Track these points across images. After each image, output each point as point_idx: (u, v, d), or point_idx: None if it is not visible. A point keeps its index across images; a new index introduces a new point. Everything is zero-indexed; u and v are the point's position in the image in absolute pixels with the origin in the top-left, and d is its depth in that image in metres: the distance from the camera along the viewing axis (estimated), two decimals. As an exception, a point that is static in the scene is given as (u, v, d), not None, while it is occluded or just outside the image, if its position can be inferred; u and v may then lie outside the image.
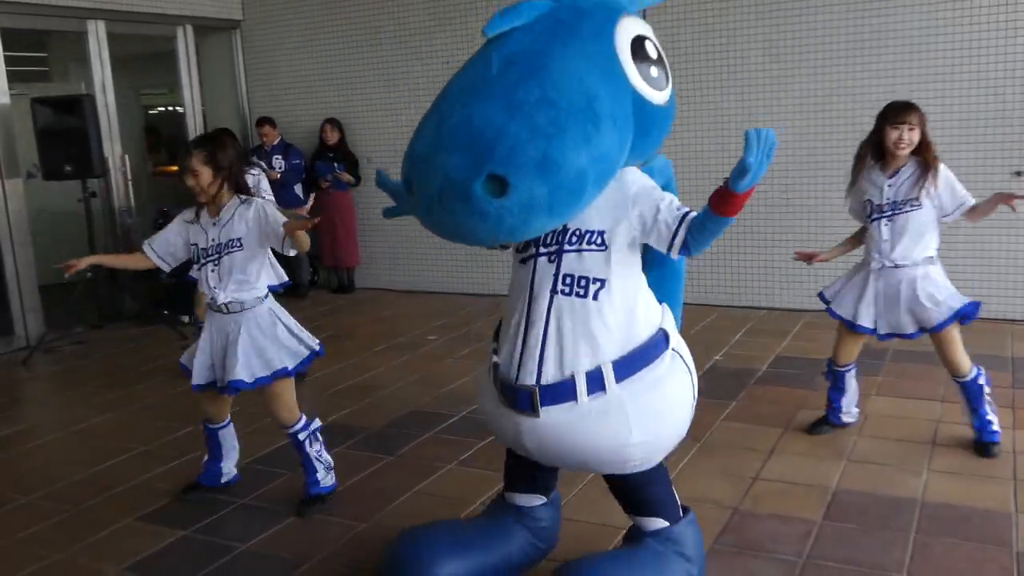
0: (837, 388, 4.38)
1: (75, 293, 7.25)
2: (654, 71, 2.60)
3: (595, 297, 2.57)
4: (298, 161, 8.32)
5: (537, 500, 3.05)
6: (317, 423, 3.93)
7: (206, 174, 3.62)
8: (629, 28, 2.58)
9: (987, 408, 4.07)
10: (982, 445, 4.02)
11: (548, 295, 2.60)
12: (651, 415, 2.62)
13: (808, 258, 4.26)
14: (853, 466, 4.00)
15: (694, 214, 2.53)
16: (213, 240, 3.68)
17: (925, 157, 3.91)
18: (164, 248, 3.78)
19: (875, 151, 4.04)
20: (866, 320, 4.13)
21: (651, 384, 2.62)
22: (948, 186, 3.92)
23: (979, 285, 6.25)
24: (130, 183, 8.13)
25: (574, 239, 2.59)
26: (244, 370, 3.64)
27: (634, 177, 2.66)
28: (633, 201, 2.58)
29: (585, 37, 2.48)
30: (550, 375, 2.59)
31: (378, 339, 6.82)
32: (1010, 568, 3.11)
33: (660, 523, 2.83)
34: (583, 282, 2.58)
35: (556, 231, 2.61)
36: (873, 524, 3.46)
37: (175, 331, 7.12)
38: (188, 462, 4.44)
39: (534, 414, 2.61)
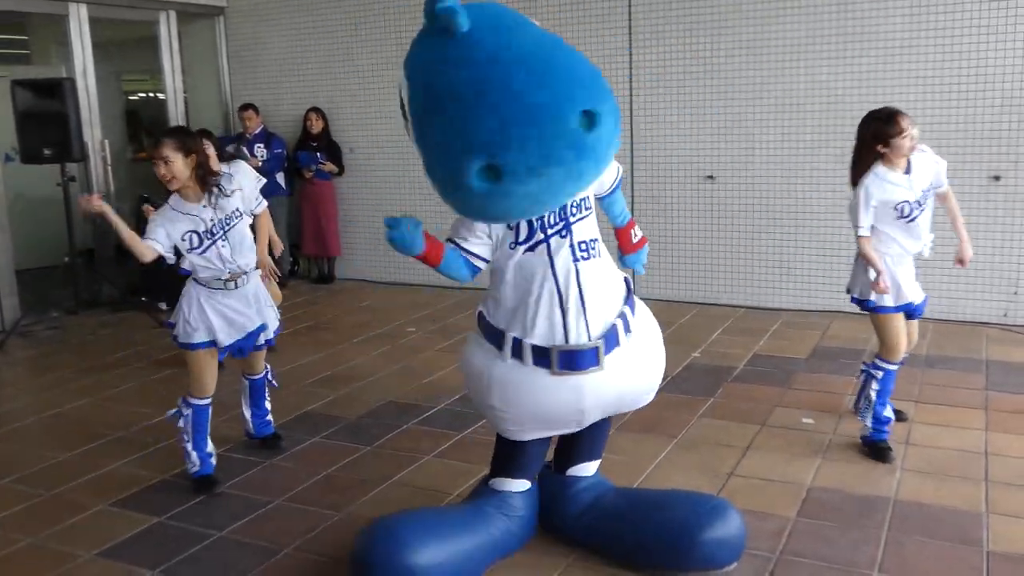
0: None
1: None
2: None
3: (599, 254, 2.97)
4: (280, 150, 8.28)
5: (523, 486, 3.20)
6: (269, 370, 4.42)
7: (178, 162, 3.65)
8: None
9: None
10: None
11: (572, 265, 2.89)
12: (658, 341, 3.11)
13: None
14: (828, 464, 4.03)
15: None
16: (212, 220, 3.76)
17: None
18: (166, 241, 3.73)
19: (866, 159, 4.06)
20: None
21: (644, 316, 3.09)
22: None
23: (953, 289, 6.31)
24: (110, 168, 8.07)
25: (574, 210, 2.91)
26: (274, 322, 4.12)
27: None
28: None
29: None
30: (597, 329, 2.89)
31: (358, 330, 6.80)
32: (980, 567, 3.14)
33: (595, 466, 3.31)
34: (591, 245, 2.94)
35: (553, 211, 2.89)
36: (847, 522, 3.48)
37: (152, 318, 7.07)
38: (163, 449, 4.41)
39: (599, 367, 2.87)
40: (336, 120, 8.54)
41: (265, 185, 5.71)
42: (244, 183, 4.01)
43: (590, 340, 2.87)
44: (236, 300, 3.89)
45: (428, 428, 4.62)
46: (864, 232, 4.06)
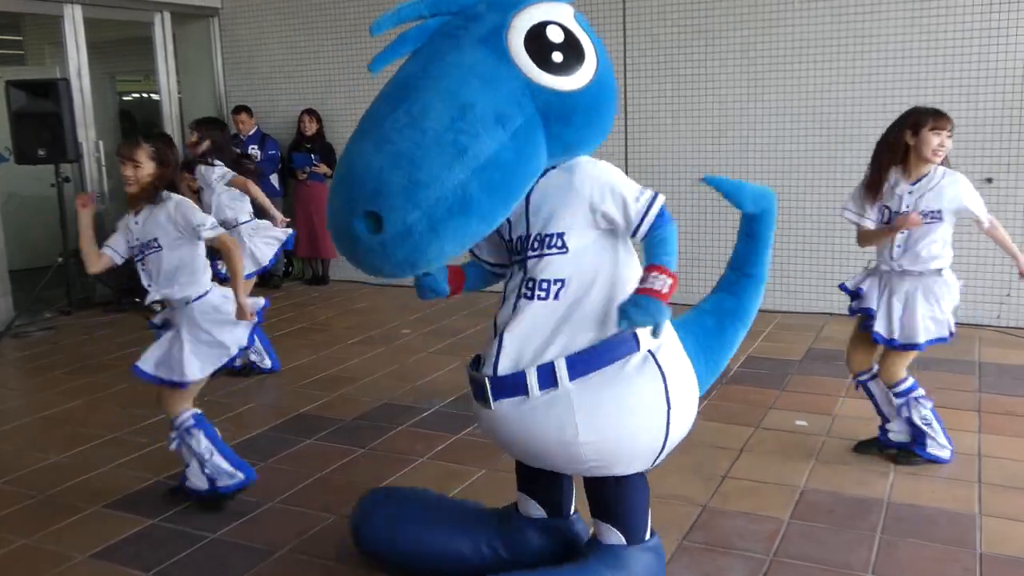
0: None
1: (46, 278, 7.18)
2: (557, 56, 2.42)
3: (556, 297, 2.56)
4: (274, 152, 8.27)
5: (535, 510, 2.98)
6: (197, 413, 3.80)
7: (148, 168, 3.61)
8: (527, 18, 2.45)
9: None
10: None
11: (514, 299, 2.62)
12: (602, 415, 2.55)
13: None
14: (821, 466, 4.04)
15: (657, 209, 2.51)
16: (139, 240, 3.67)
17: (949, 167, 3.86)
18: (124, 248, 3.75)
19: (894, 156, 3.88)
20: (881, 327, 3.96)
21: (608, 383, 2.56)
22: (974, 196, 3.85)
23: (949, 291, 6.33)
24: (104, 169, 8.06)
25: (536, 245, 2.57)
26: (195, 365, 3.64)
27: (586, 174, 2.56)
28: (589, 199, 2.52)
29: (466, 45, 2.41)
30: (504, 368, 2.59)
31: (352, 332, 6.80)
32: (973, 569, 3.15)
33: (616, 536, 2.75)
34: (544, 285, 2.56)
35: (522, 237, 2.61)
36: (840, 523, 3.49)
37: (146, 319, 7.05)
38: (156, 450, 4.40)
39: (486, 405, 2.63)
40: (330, 122, 8.54)
41: (260, 187, 5.77)
42: (176, 218, 3.63)
43: (492, 374, 2.60)
44: (174, 330, 3.69)
45: (422, 430, 4.62)
46: (853, 218, 3.96)
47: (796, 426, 4.53)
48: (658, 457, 2.69)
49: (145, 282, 3.69)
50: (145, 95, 10.95)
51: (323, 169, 8.33)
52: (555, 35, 2.45)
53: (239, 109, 8.31)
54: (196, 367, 3.63)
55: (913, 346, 3.88)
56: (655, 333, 2.38)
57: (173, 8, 8.68)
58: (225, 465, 3.72)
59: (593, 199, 2.52)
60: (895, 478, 3.89)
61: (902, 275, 3.90)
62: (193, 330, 3.65)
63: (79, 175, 7.89)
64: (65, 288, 7.55)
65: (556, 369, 2.54)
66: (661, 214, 2.51)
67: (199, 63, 9.24)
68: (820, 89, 6.59)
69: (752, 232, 3.08)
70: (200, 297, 3.68)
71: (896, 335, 3.90)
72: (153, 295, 3.69)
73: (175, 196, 3.67)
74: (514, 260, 2.68)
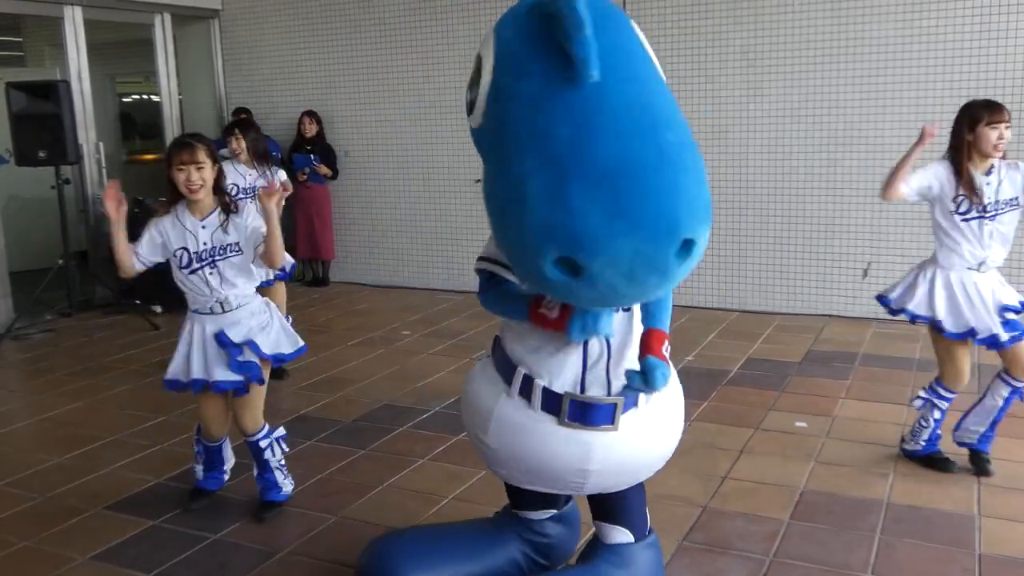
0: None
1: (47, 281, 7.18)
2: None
3: (627, 309, 2.56)
4: (275, 153, 8.26)
5: (545, 514, 2.98)
6: (281, 431, 3.81)
7: (209, 168, 3.46)
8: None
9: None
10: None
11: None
12: (679, 405, 2.74)
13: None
14: (821, 467, 4.05)
15: None
16: (206, 244, 3.48)
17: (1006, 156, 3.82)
18: (149, 256, 3.55)
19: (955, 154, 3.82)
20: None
21: (667, 395, 2.71)
22: None
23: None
24: (104, 171, 8.06)
25: None
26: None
27: None
28: None
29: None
30: (618, 385, 2.54)
31: (352, 333, 6.81)
32: (972, 570, 3.16)
33: (625, 535, 2.77)
34: None
35: None
36: (839, 524, 3.50)
37: (146, 321, 7.07)
38: (157, 452, 4.41)
39: (613, 427, 2.52)
40: (331, 124, 8.54)
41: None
42: (252, 222, 3.56)
43: (609, 395, 2.53)
44: (210, 331, 3.55)
45: (423, 431, 4.63)
46: (904, 186, 3.79)
47: (796, 427, 4.54)
48: None
49: (214, 285, 3.50)
50: (145, 97, 10.95)
51: (324, 170, 8.32)
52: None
53: (239, 111, 8.31)
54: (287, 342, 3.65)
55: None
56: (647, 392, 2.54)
57: (173, 10, 8.69)
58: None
59: None
60: (894, 479, 3.90)
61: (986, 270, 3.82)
62: (255, 323, 3.60)
63: (79, 177, 7.89)
64: (65, 290, 7.55)
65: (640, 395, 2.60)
66: None
67: (199, 65, 9.25)
68: (819, 91, 6.60)
69: None
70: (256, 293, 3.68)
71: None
72: (232, 299, 3.53)
73: (244, 203, 3.61)
74: None
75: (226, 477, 3.95)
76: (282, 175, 5.54)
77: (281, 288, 5.38)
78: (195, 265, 3.49)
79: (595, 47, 2.00)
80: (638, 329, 2.58)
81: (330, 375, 5.71)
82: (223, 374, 3.52)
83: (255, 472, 3.78)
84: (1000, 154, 3.76)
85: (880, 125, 6.46)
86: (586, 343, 2.50)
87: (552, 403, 2.53)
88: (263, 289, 4.99)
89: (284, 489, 3.79)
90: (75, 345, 6.70)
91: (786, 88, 6.70)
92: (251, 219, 3.54)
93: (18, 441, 4.77)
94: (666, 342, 2.53)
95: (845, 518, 3.55)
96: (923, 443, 4.05)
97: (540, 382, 2.54)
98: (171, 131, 8.58)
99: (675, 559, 3.27)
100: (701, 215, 2.05)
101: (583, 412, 2.51)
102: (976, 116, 3.74)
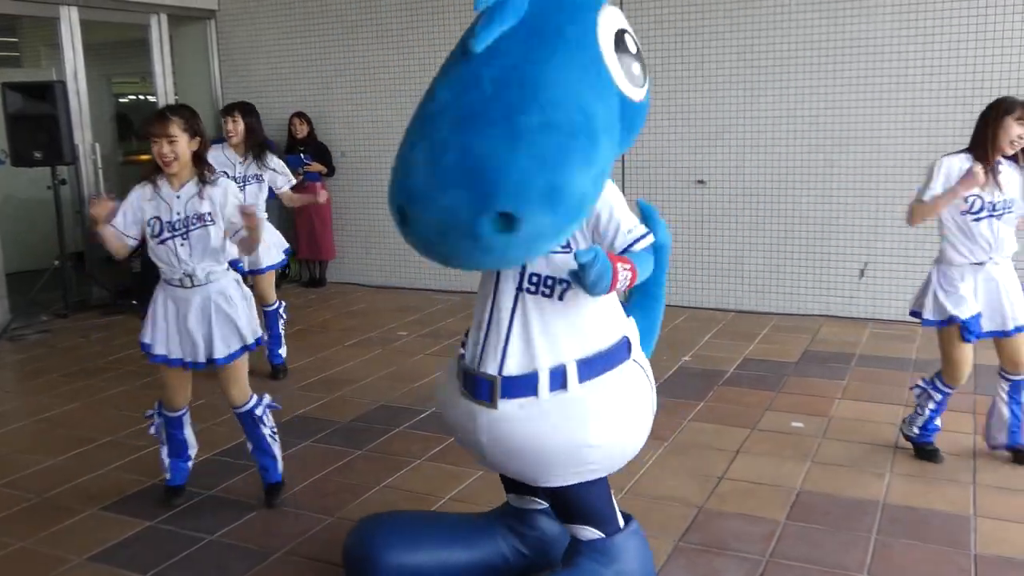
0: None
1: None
2: (636, 68, 2.45)
3: (560, 298, 2.54)
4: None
5: (532, 504, 2.99)
6: (267, 398, 3.89)
7: (183, 141, 3.50)
8: (610, 21, 2.41)
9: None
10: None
11: (513, 291, 2.57)
12: (611, 418, 2.57)
13: None
14: (817, 468, 4.05)
15: (642, 248, 2.52)
16: (179, 214, 3.53)
17: (1018, 155, 3.85)
18: (133, 230, 3.60)
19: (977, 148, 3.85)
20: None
21: (613, 388, 2.59)
22: None
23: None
24: (100, 171, 8.04)
25: None
26: (223, 345, 3.63)
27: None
28: (593, 216, 2.50)
29: (572, 41, 2.32)
30: (512, 368, 2.55)
31: (349, 333, 6.80)
32: (968, 570, 3.16)
33: (593, 532, 2.73)
34: (550, 282, 2.54)
35: None
36: (835, 525, 3.51)
37: (142, 321, 7.05)
38: (154, 453, 4.39)
39: (491, 405, 2.56)
40: (328, 124, 8.54)
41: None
42: (220, 198, 3.60)
43: (498, 373, 2.55)
44: (191, 311, 3.63)
45: (419, 432, 4.62)
46: (925, 197, 3.84)
47: (792, 428, 4.54)
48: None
49: (183, 256, 3.54)
50: (141, 97, 10.94)
51: (316, 167, 8.28)
52: (631, 45, 2.47)
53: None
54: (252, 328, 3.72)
55: None
56: (588, 285, 2.28)
57: (170, 10, 8.68)
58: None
59: (591, 214, 2.48)
60: (891, 480, 3.91)
61: (992, 265, 3.89)
62: (223, 304, 3.65)
63: (76, 177, 7.88)
64: (61, 291, 7.54)
65: (567, 372, 2.53)
66: (648, 248, 2.55)
67: (195, 65, 9.23)
68: (816, 92, 6.61)
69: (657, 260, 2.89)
70: (228, 270, 3.73)
71: (1008, 324, 3.88)
72: (199, 271, 3.58)
73: (223, 181, 3.65)
74: None
75: (190, 465, 3.94)
76: (280, 165, 5.50)
77: (271, 278, 5.53)
78: (165, 235, 3.55)
79: (492, 25, 2.21)
80: (561, 324, 2.54)
81: (327, 375, 5.71)
82: (217, 349, 3.63)
83: (250, 448, 3.85)
84: (1011, 151, 3.79)
85: (877, 126, 6.47)
86: (490, 318, 2.58)
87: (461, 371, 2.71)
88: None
89: (279, 463, 3.87)
90: (71, 346, 6.69)
91: (783, 89, 6.70)
92: (228, 195, 3.59)
93: (14, 442, 4.76)
94: (628, 270, 2.37)
95: (841, 518, 3.55)
96: (917, 430, 4.12)
97: (460, 351, 2.73)
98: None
99: (671, 560, 3.27)
100: (530, 196, 2.11)
101: (469, 383, 2.63)
102: (1009, 108, 3.75)
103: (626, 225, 2.52)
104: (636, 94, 2.47)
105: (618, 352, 2.62)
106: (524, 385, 2.54)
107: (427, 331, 6.79)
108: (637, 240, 2.53)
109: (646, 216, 2.77)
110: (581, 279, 2.26)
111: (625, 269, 2.35)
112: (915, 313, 4.09)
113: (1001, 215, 3.81)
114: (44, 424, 5.02)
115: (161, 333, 3.69)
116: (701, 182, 7.06)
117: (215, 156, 5.05)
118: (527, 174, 2.11)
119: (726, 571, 3.19)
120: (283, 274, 8.90)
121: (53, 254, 7.42)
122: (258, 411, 3.81)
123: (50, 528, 3.67)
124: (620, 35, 2.44)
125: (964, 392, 4.94)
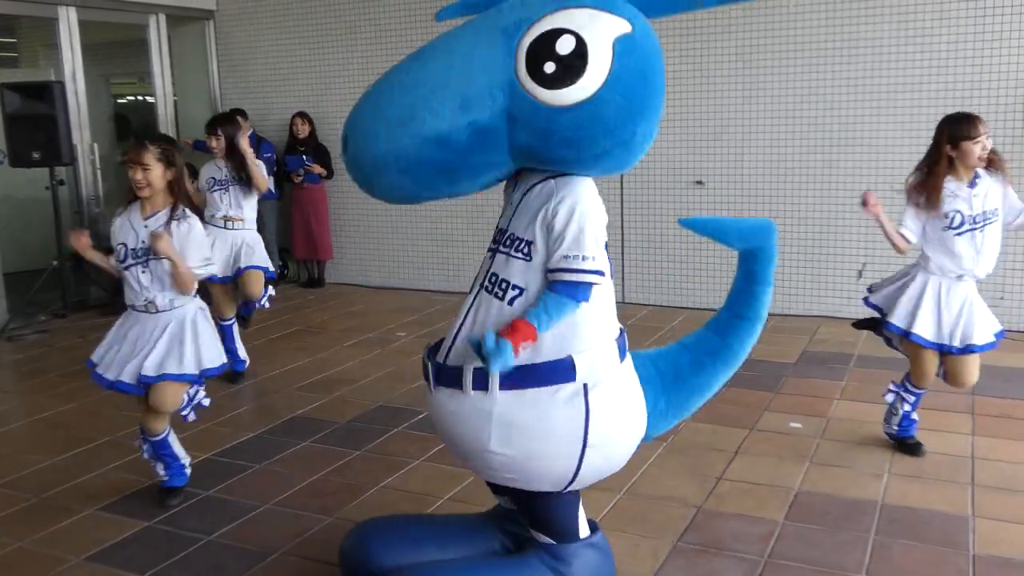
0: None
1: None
2: (549, 66, 2.32)
3: (510, 303, 2.53)
4: (269, 155, 8.25)
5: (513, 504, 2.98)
6: (201, 393, 3.86)
7: (157, 171, 3.61)
8: (552, 20, 2.35)
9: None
10: None
11: (477, 288, 2.65)
12: (516, 432, 2.52)
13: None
14: (815, 468, 4.06)
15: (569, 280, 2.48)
16: (143, 243, 3.61)
17: (998, 166, 3.91)
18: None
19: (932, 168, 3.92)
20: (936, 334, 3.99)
21: (533, 403, 2.51)
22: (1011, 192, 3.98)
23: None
24: (99, 172, 8.04)
25: (507, 242, 2.58)
26: (155, 361, 3.63)
27: (565, 197, 2.49)
28: (549, 221, 2.48)
29: (485, 30, 2.46)
30: (452, 359, 2.63)
31: (348, 334, 6.80)
32: (966, 570, 3.17)
33: (546, 539, 2.76)
34: (503, 284, 2.56)
35: (501, 230, 2.64)
36: (834, 525, 3.51)
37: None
38: (153, 453, 4.40)
39: (429, 389, 2.69)
40: (327, 125, 8.53)
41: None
42: (182, 236, 3.64)
43: (442, 361, 2.64)
44: (140, 329, 3.70)
45: (417, 432, 4.62)
46: (905, 231, 3.98)
47: (791, 428, 4.54)
48: (568, 486, 2.64)
49: (145, 283, 3.63)
50: (140, 98, 10.93)
51: (317, 169, 8.30)
52: (564, 46, 2.33)
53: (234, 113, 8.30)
54: (214, 354, 3.77)
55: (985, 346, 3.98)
56: (486, 364, 2.36)
57: (168, 11, 8.68)
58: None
59: (547, 218, 2.48)
60: (889, 480, 3.91)
61: (966, 280, 3.97)
62: (185, 328, 3.70)
63: (74, 178, 7.88)
64: (60, 291, 7.54)
65: (490, 375, 2.50)
66: (578, 286, 2.46)
67: (194, 66, 9.23)
68: (816, 93, 6.61)
69: (747, 270, 2.98)
70: (193, 298, 3.78)
71: (955, 340, 3.95)
72: (159, 300, 3.65)
73: (193, 221, 3.68)
74: (489, 247, 2.69)
75: (188, 471, 3.96)
76: (262, 168, 5.63)
77: (259, 277, 5.58)
78: (129, 261, 3.65)
79: (453, 12, 2.75)
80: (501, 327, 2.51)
81: (325, 376, 5.70)
82: (129, 375, 3.66)
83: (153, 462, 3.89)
84: (982, 163, 3.86)
85: (876, 126, 6.47)
86: (466, 316, 2.66)
87: None
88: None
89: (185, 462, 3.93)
90: (69, 346, 6.68)
91: (782, 90, 6.71)
92: (191, 234, 3.65)
93: (12, 442, 4.76)
94: (523, 338, 2.40)
95: (840, 519, 3.55)
96: (896, 427, 4.20)
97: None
98: (166, 132, 8.56)
99: (670, 560, 3.27)
100: (356, 126, 2.55)
101: (424, 364, 2.72)
102: (958, 133, 3.84)
103: (569, 247, 2.45)
104: (543, 95, 2.34)
105: (556, 371, 2.52)
106: (454, 377, 2.60)
107: (426, 332, 6.79)
108: (569, 271, 2.46)
109: (708, 236, 3.06)
110: (479, 353, 2.38)
111: (525, 346, 2.42)
112: (878, 309, 4.18)
113: (983, 227, 3.88)
114: (42, 424, 5.01)
115: (112, 354, 3.73)
116: (700, 183, 7.06)
117: (207, 166, 5.57)
118: (362, 107, 2.58)
119: (724, 571, 3.19)
120: (281, 274, 8.90)
121: (51, 254, 7.42)
122: (169, 438, 3.86)
123: (48, 528, 3.67)
124: (555, 34, 2.34)
125: (964, 392, 4.95)
